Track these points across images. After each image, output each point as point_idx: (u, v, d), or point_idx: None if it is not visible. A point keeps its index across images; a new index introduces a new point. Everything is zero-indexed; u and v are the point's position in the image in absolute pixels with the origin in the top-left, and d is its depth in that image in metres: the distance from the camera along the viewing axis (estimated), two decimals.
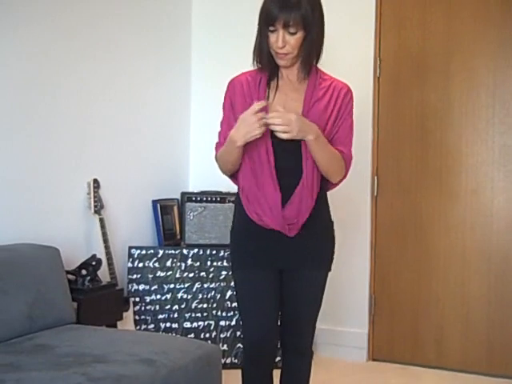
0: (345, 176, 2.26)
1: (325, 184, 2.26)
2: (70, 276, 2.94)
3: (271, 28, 2.07)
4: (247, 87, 2.21)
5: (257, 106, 2.03)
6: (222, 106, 2.29)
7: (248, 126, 2.03)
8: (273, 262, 2.21)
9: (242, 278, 2.26)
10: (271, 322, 2.23)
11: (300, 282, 2.26)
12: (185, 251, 3.56)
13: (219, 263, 3.57)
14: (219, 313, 3.54)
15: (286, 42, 2.07)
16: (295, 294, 2.27)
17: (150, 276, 3.51)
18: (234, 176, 2.30)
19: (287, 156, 2.15)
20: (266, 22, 2.06)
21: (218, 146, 2.28)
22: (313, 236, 2.22)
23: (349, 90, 2.23)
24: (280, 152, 2.14)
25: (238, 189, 2.27)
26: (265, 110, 2.07)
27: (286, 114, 2.04)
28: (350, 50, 3.76)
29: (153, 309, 3.49)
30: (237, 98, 2.21)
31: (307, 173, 2.14)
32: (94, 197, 3.27)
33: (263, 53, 2.14)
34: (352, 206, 3.76)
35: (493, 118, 3.58)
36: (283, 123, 2.02)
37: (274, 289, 2.23)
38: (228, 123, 2.23)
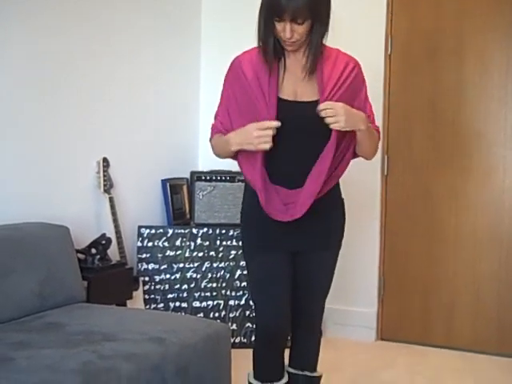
0: (377, 151, 2.30)
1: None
2: (80, 255, 2.95)
3: (277, 18, 2.01)
4: (253, 66, 2.15)
5: (267, 124, 2.02)
6: (223, 84, 2.24)
7: (248, 139, 2.04)
8: (285, 245, 2.20)
9: (254, 262, 2.24)
10: (285, 306, 2.22)
11: (313, 263, 2.26)
12: (194, 230, 3.56)
13: (228, 242, 3.57)
14: (228, 292, 3.55)
15: (293, 31, 2.02)
16: (308, 275, 2.27)
17: (160, 255, 3.52)
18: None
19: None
20: (273, 13, 2.01)
21: (213, 129, 2.26)
22: (324, 214, 2.20)
23: (356, 65, 2.19)
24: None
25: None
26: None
27: (333, 104, 2.01)
28: (361, 26, 3.71)
29: (162, 288, 3.51)
30: (237, 82, 2.16)
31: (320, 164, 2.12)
32: (104, 176, 3.27)
33: (269, 42, 2.08)
34: (362, 186, 3.73)
35: (505, 97, 3.54)
36: (331, 114, 1.99)
37: (287, 272, 2.22)
38: (223, 107, 2.22)
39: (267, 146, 2.02)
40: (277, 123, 2.02)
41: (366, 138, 2.15)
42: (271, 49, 2.11)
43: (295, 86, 2.14)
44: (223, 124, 2.22)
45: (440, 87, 3.68)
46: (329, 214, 2.24)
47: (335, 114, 1.99)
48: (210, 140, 2.29)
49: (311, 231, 2.20)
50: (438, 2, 3.66)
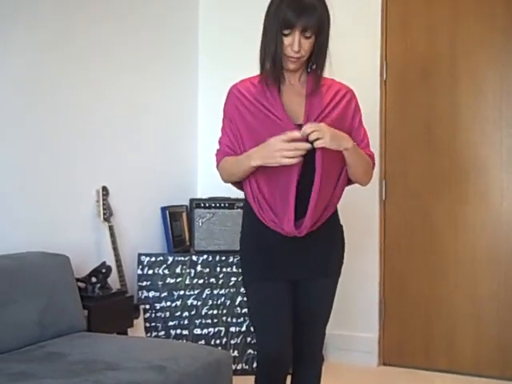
0: (371, 177, 2.28)
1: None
2: (81, 283, 2.96)
3: (287, 32, 2.05)
4: (253, 93, 2.17)
5: (292, 135, 1.98)
6: (223, 112, 2.25)
7: (270, 152, 2.00)
8: (285, 274, 2.19)
9: (255, 292, 2.23)
10: (287, 336, 2.21)
11: (313, 291, 2.26)
12: (194, 258, 3.57)
13: (228, 269, 3.57)
14: (229, 319, 3.54)
15: (301, 45, 2.06)
16: (308, 303, 2.26)
17: (160, 283, 3.52)
18: (235, 183, 2.28)
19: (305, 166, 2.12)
20: (283, 25, 2.04)
21: (219, 153, 2.25)
22: (324, 242, 2.22)
23: (348, 92, 2.22)
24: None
25: (246, 196, 2.24)
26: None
27: (317, 125, 1.98)
28: (356, 53, 3.77)
29: (163, 316, 3.50)
30: (243, 110, 2.17)
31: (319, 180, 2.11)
32: (103, 204, 3.29)
33: (277, 56, 2.10)
34: (361, 211, 3.75)
35: (500, 120, 3.58)
36: (315, 134, 1.97)
37: (287, 301, 2.22)
38: (228, 132, 2.22)
39: (293, 161, 1.97)
40: (295, 133, 1.96)
41: (355, 160, 2.13)
42: (278, 66, 2.12)
43: (289, 109, 2.15)
44: (230, 147, 2.21)
45: (435, 112, 3.72)
46: (328, 241, 2.24)
47: (319, 133, 1.96)
48: (217, 166, 2.27)
49: (310, 259, 2.20)
50: (431, 28, 3.72)
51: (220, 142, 2.26)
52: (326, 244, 2.23)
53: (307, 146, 1.97)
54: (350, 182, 2.26)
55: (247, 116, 2.16)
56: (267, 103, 2.14)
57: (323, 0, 2.10)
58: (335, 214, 2.28)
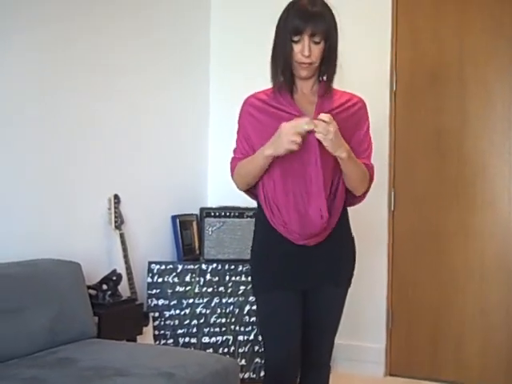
0: (369, 188, 2.28)
1: (351, 198, 2.27)
2: (91, 291, 2.99)
3: (296, 38, 2.10)
4: (269, 102, 2.22)
5: (295, 121, 2.04)
6: (238, 123, 2.29)
7: (278, 138, 2.04)
8: (296, 283, 2.21)
9: (265, 302, 2.25)
10: (295, 346, 2.23)
11: (323, 301, 2.27)
12: (204, 266, 3.60)
13: (237, 278, 3.60)
14: (237, 328, 3.56)
15: (311, 51, 2.11)
16: (318, 313, 2.28)
17: (170, 291, 3.55)
18: (249, 190, 2.32)
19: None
20: (292, 32, 2.10)
21: (234, 160, 2.29)
22: (335, 253, 2.23)
23: (359, 101, 2.26)
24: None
25: (260, 204, 2.27)
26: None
27: (327, 124, 2.01)
28: (366, 64, 3.79)
29: (172, 324, 3.53)
30: (257, 116, 2.22)
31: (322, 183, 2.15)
32: (115, 212, 3.33)
33: (287, 62, 2.16)
34: (369, 220, 3.77)
35: (509, 130, 3.59)
36: (322, 131, 2.01)
37: (297, 311, 2.24)
38: (242, 141, 2.26)
39: (294, 147, 2.01)
40: (306, 119, 2.01)
41: (350, 169, 2.14)
42: (289, 73, 2.17)
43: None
44: (244, 154, 2.25)
45: (444, 121, 3.74)
46: (339, 251, 2.26)
47: (326, 129, 2.00)
48: (232, 174, 2.30)
49: (321, 268, 2.22)
50: (439, 38, 3.75)
51: (234, 151, 2.31)
52: (337, 254, 2.25)
53: (305, 121, 2.01)
54: (352, 199, 2.29)
55: (261, 118, 2.20)
56: (280, 105, 2.19)
57: (329, 8, 2.16)
58: (347, 223, 2.31)
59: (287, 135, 2.01)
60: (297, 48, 2.12)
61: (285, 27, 2.13)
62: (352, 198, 2.28)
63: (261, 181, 2.23)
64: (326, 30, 2.11)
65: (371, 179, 2.27)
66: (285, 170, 2.17)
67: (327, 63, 2.19)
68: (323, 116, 2.02)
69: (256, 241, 2.33)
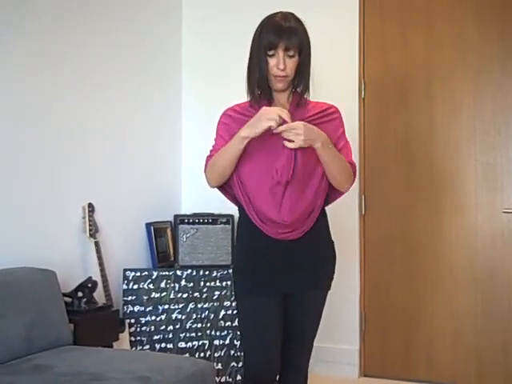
0: (352, 183, 2.35)
1: (332, 194, 2.35)
2: (67, 298, 3.00)
3: (271, 52, 2.18)
4: (245, 112, 2.29)
5: (281, 109, 2.12)
6: (216, 132, 2.35)
7: (257, 119, 2.12)
8: (278, 287, 2.26)
9: (246, 306, 2.30)
10: (275, 352, 2.28)
11: (304, 304, 2.33)
12: (178, 272, 3.64)
13: (212, 283, 3.64)
14: (213, 332, 3.60)
15: (285, 64, 2.19)
16: (299, 316, 2.33)
17: (145, 297, 3.58)
18: (222, 187, 2.36)
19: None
20: (267, 47, 2.18)
21: (209, 158, 2.34)
22: (316, 257, 2.30)
23: (334, 109, 2.35)
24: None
25: (237, 197, 2.31)
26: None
27: (293, 124, 2.11)
28: (335, 72, 3.87)
29: (148, 330, 3.55)
30: (233, 125, 2.28)
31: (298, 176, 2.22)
32: (89, 221, 3.35)
33: (262, 76, 2.23)
34: (341, 225, 3.79)
35: (474, 137, 3.70)
36: (290, 134, 2.10)
37: (278, 315, 2.29)
38: (218, 142, 2.31)
39: (272, 123, 2.08)
40: (285, 111, 2.11)
41: (329, 160, 2.21)
42: (265, 86, 2.25)
43: None
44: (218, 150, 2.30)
45: (412, 128, 3.84)
46: (319, 254, 2.32)
47: (296, 133, 2.10)
48: (205, 170, 2.34)
49: (302, 272, 2.27)
50: (407, 49, 3.85)
51: (210, 151, 2.36)
52: (318, 258, 2.31)
53: (285, 111, 2.11)
54: (333, 194, 2.36)
55: (236, 128, 2.25)
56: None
57: (302, 23, 2.24)
58: (327, 228, 2.38)
59: (268, 114, 2.09)
60: (272, 62, 2.20)
61: (260, 42, 2.20)
62: (333, 194, 2.35)
63: (236, 176, 2.27)
64: (300, 44, 2.19)
65: (354, 175, 2.35)
66: (258, 159, 2.23)
67: (300, 75, 2.27)
68: (291, 124, 2.10)
69: (238, 246, 2.39)
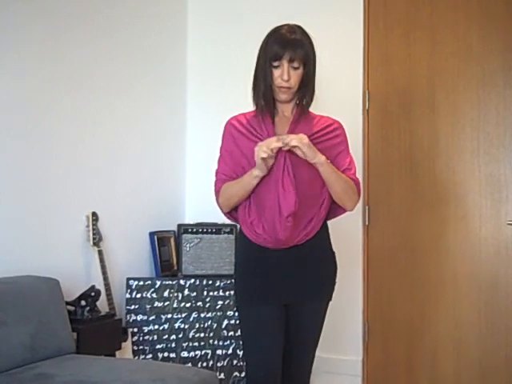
0: (356, 202, 2.37)
1: (334, 210, 2.36)
2: (70, 307, 3.01)
3: (276, 64, 2.21)
4: (249, 126, 2.31)
5: (266, 141, 2.18)
6: (222, 143, 2.38)
7: (256, 153, 2.16)
8: (279, 298, 2.27)
9: (248, 316, 2.31)
10: (277, 362, 2.29)
11: (304, 315, 2.34)
12: (182, 282, 3.64)
13: (215, 293, 3.64)
14: (216, 342, 3.60)
15: (290, 75, 2.21)
16: (301, 327, 2.34)
17: (148, 306, 3.58)
18: (230, 213, 2.40)
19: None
20: (272, 58, 2.21)
21: (217, 182, 2.37)
22: (315, 266, 2.31)
23: (338, 125, 2.38)
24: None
25: (239, 212, 2.34)
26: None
27: (296, 136, 2.18)
28: (339, 84, 3.88)
29: (151, 339, 3.55)
30: (238, 137, 2.31)
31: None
32: (93, 229, 3.36)
33: (267, 87, 2.26)
34: (345, 236, 3.80)
35: (478, 149, 3.70)
36: (296, 138, 2.15)
37: (280, 326, 2.30)
38: (226, 161, 2.34)
39: (264, 155, 2.13)
40: (283, 137, 2.16)
41: (330, 177, 2.25)
42: (268, 96, 2.28)
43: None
44: (226, 174, 2.34)
45: (416, 139, 3.84)
46: (319, 265, 2.34)
47: (299, 137, 2.16)
48: (217, 197, 2.38)
49: (303, 283, 2.29)
50: (410, 60, 3.85)
51: (217, 172, 2.39)
52: (319, 268, 2.33)
53: (274, 139, 2.16)
54: (336, 210, 2.37)
55: (241, 141, 2.29)
56: (259, 129, 2.29)
57: (308, 36, 2.26)
58: (328, 239, 2.39)
59: (259, 150, 2.13)
60: (276, 73, 2.22)
61: (265, 53, 2.24)
62: (336, 210, 2.37)
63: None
64: (304, 56, 2.21)
65: (358, 193, 2.37)
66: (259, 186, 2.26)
67: (305, 88, 2.29)
68: (287, 139, 2.16)
69: (239, 257, 2.41)
